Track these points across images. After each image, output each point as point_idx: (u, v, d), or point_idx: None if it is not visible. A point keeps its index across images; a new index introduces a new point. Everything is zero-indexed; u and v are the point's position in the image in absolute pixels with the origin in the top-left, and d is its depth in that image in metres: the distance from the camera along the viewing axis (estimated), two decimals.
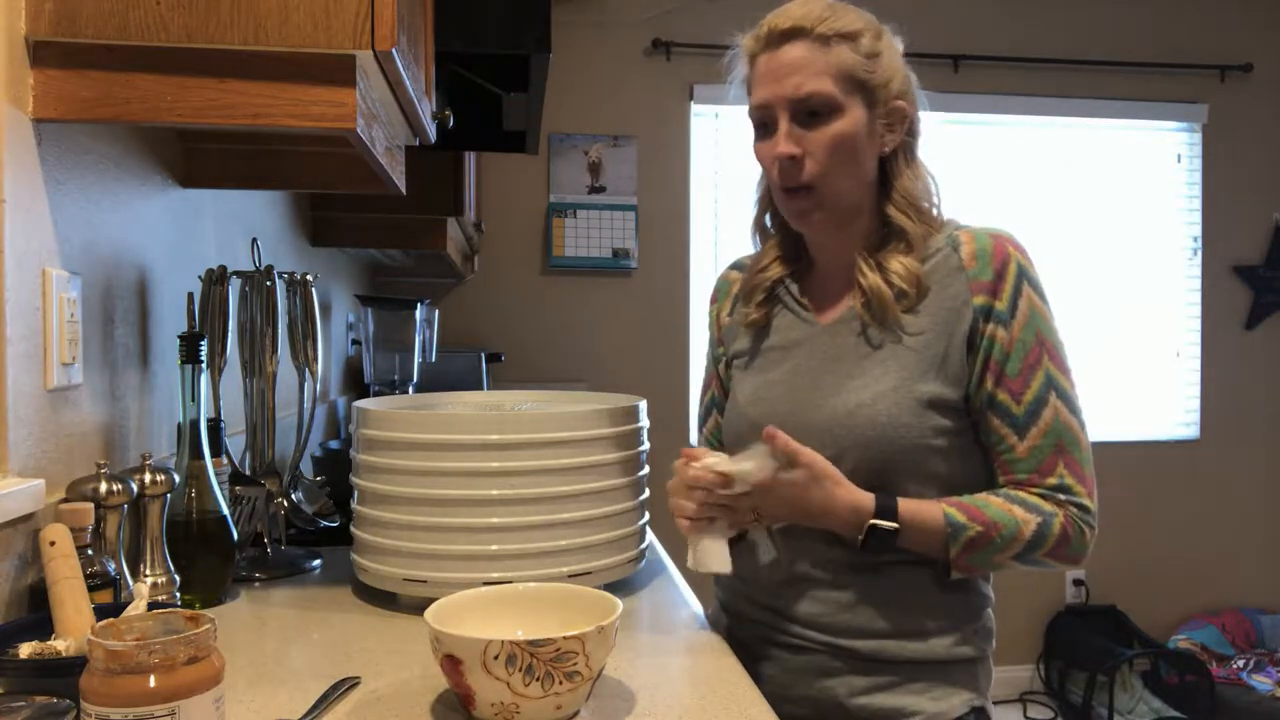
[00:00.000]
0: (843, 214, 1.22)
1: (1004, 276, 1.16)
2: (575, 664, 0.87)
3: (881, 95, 1.19)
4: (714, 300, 1.42)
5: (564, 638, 0.86)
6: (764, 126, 1.21)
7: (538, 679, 0.86)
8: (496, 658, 0.85)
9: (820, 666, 1.20)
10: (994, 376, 1.16)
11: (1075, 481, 1.15)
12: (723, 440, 1.33)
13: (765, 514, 1.16)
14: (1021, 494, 1.15)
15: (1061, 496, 1.14)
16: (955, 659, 1.19)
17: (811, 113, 1.17)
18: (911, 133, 1.24)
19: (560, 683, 0.87)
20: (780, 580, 1.23)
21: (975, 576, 1.21)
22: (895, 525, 1.12)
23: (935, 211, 1.25)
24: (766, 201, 1.32)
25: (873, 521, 1.12)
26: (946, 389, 1.16)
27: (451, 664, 0.87)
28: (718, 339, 1.40)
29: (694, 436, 1.47)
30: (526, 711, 0.87)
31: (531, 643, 0.85)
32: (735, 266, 1.40)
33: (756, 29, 1.21)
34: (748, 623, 1.27)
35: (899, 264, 1.19)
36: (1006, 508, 1.14)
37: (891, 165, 1.23)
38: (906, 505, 1.13)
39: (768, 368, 1.28)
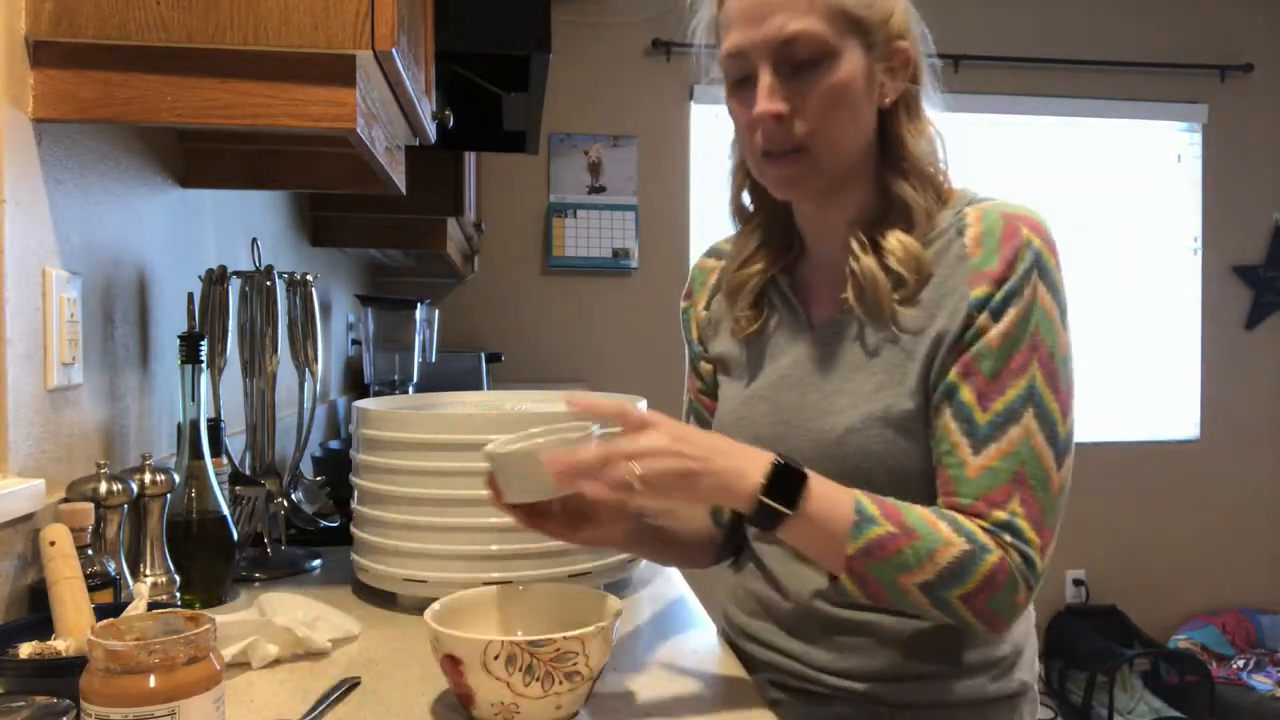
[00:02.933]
0: (837, 182, 1.02)
1: (1013, 264, 0.94)
2: (575, 664, 0.87)
3: (882, 35, 0.99)
4: (687, 295, 1.23)
5: (564, 638, 0.86)
6: (741, 80, 1.00)
7: (538, 679, 0.85)
8: (496, 658, 0.85)
9: (840, 716, 1.03)
10: (963, 367, 0.94)
11: (1029, 526, 0.91)
12: None
13: (650, 480, 0.87)
14: (958, 516, 0.92)
15: (1007, 538, 0.90)
16: (994, 696, 1.02)
17: (801, 60, 0.96)
18: (915, 80, 1.02)
19: (560, 683, 0.86)
20: (788, 617, 1.08)
21: (867, 599, 0.94)
22: (803, 472, 0.89)
23: (943, 179, 1.03)
24: (744, 174, 1.10)
25: (776, 459, 0.89)
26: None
27: (451, 664, 0.87)
28: (696, 337, 1.21)
29: None
30: (526, 711, 0.87)
31: (531, 643, 0.85)
32: (712, 254, 1.22)
33: None
34: (759, 666, 1.10)
35: (897, 242, 0.99)
36: (931, 520, 0.90)
37: (891, 120, 1.02)
38: (817, 477, 0.91)
39: (753, 376, 1.11)
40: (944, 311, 0.97)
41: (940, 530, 0.90)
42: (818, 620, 1.04)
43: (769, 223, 1.11)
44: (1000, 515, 0.91)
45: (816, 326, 1.07)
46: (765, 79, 0.96)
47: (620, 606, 0.94)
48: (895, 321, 0.99)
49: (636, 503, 1.01)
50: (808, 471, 0.90)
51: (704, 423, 1.21)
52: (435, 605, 0.94)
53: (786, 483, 0.89)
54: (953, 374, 0.95)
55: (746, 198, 1.13)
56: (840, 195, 1.04)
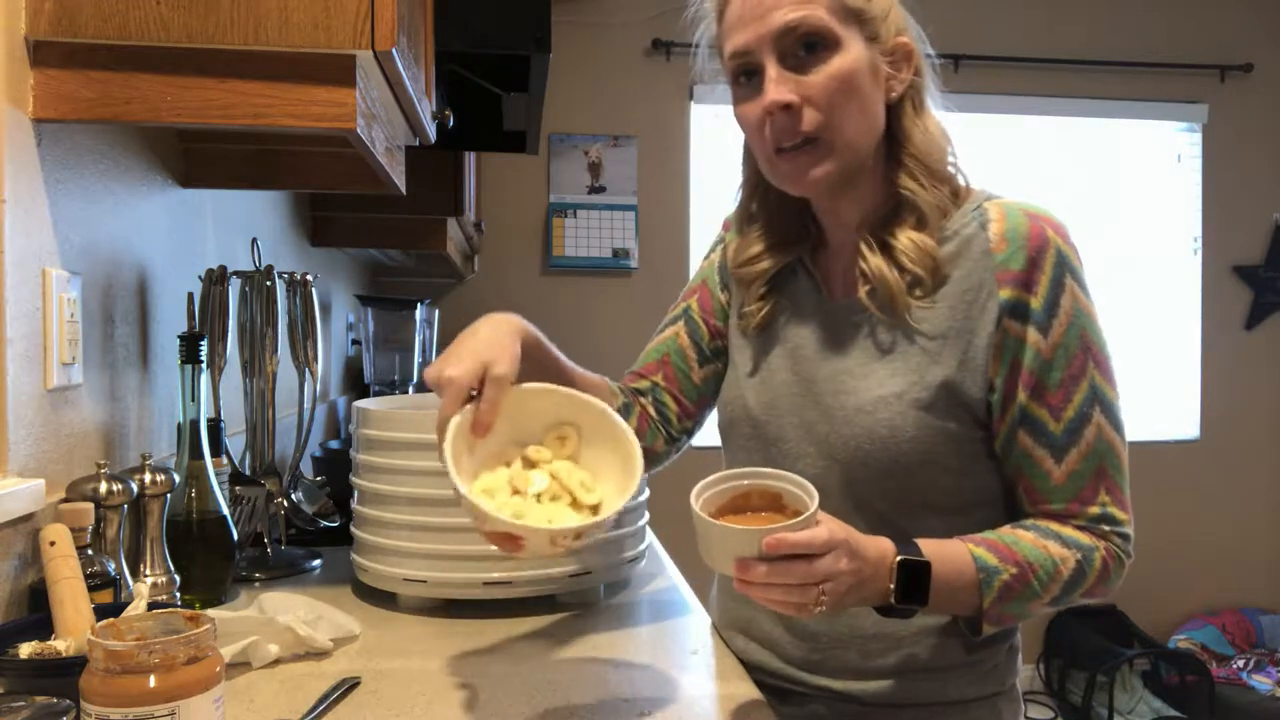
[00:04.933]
0: (849, 175, 1.01)
1: (1040, 266, 0.96)
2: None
3: (883, 28, 1.00)
4: (726, 228, 1.22)
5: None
6: (746, 78, 1.00)
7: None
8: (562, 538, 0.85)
9: (816, 716, 1.06)
10: (1029, 389, 0.96)
11: (1118, 509, 0.98)
12: (718, 421, 1.16)
13: (831, 586, 0.86)
14: (1054, 526, 0.97)
15: (1105, 528, 0.97)
16: (974, 698, 1.04)
17: (805, 48, 0.97)
18: (919, 75, 1.03)
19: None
20: (766, 611, 1.06)
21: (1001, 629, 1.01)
22: (925, 560, 0.91)
23: (957, 175, 1.04)
24: (754, 184, 1.12)
25: (901, 557, 0.90)
26: (962, 398, 0.98)
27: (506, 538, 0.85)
28: (718, 265, 1.20)
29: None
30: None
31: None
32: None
33: None
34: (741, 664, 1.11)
35: (908, 240, 0.99)
36: (1040, 544, 0.95)
37: (898, 116, 1.02)
38: (928, 543, 0.93)
39: (770, 343, 1.10)
40: (971, 309, 0.98)
41: (1051, 551, 0.95)
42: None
43: (774, 226, 1.11)
44: (1093, 510, 0.97)
45: (837, 303, 1.07)
46: (771, 71, 0.97)
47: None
48: (910, 318, 1.00)
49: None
50: (925, 555, 0.91)
51: (696, 332, 1.20)
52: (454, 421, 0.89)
53: (915, 582, 0.91)
54: (1021, 395, 0.97)
55: (755, 207, 1.13)
56: (852, 191, 1.03)
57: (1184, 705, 3.65)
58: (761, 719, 0.95)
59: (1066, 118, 4.05)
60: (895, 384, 0.99)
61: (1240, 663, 3.84)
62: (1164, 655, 3.82)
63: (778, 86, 0.97)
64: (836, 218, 1.07)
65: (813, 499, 0.86)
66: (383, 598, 1.28)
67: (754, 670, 1.08)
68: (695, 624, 1.23)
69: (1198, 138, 4.14)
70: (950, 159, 1.04)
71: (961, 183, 1.04)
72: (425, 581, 1.22)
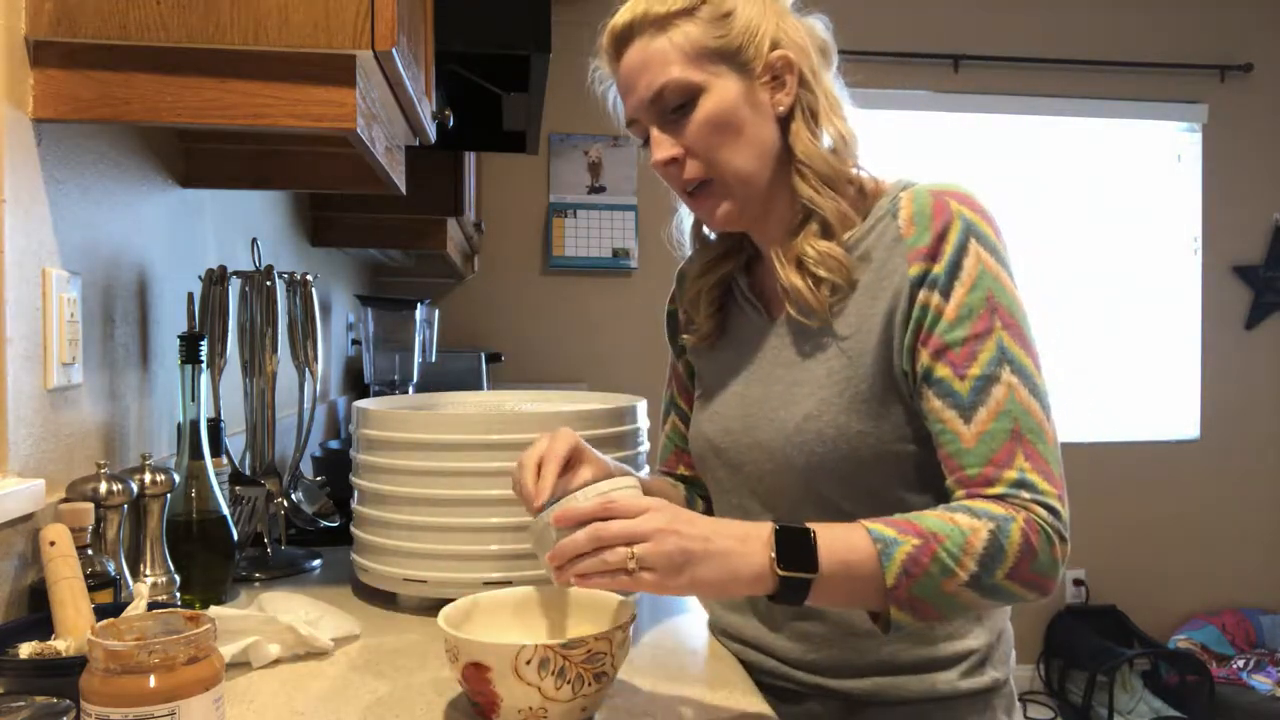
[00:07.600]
0: (761, 201, 1.06)
1: (945, 236, 0.96)
2: (603, 664, 0.86)
3: (751, 54, 1.02)
4: (673, 300, 1.30)
5: (595, 638, 0.85)
6: (645, 141, 1.08)
7: (568, 682, 0.84)
8: (529, 662, 0.83)
9: (811, 714, 1.07)
10: (933, 350, 0.95)
11: (1040, 478, 0.90)
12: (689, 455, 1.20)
13: (646, 563, 0.84)
14: (965, 502, 0.91)
15: (1025, 495, 0.89)
16: (966, 693, 1.04)
17: (675, 107, 1.02)
18: (805, 84, 1.04)
19: (589, 684, 0.86)
20: (758, 608, 1.10)
21: (928, 623, 0.95)
22: (806, 526, 0.86)
23: (859, 173, 1.06)
24: (695, 216, 1.20)
25: (780, 526, 0.86)
26: (894, 376, 0.98)
27: (476, 671, 0.85)
28: (679, 331, 1.25)
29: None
30: (554, 715, 0.86)
31: (565, 645, 0.84)
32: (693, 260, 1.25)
33: (600, 42, 1.08)
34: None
35: (813, 251, 1.02)
36: (945, 516, 0.89)
37: (788, 129, 1.05)
38: (816, 525, 0.88)
39: (723, 375, 1.14)
40: (887, 293, 0.99)
41: (959, 522, 0.88)
42: (791, 609, 1.05)
43: (725, 238, 1.17)
44: (1010, 475, 0.90)
45: (775, 321, 1.11)
46: (653, 133, 1.05)
47: (635, 605, 0.93)
48: (836, 322, 1.02)
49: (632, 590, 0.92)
50: (810, 526, 0.87)
51: (684, 418, 1.26)
52: (444, 613, 0.92)
53: (797, 546, 0.86)
54: (924, 358, 0.96)
55: (694, 233, 1.23)
56: (771, 213, 1.07)
57: (1184, 705, 3.65)
58: (762, 715, 0.95)
59: (1067, 118, 4.05)
60: (835, 383, 1.01)
61: (1240, 663, 3.84)
62: (1164, 655, 3.82)
63: (658, 146, 1.04)
64: (762, 233, 1.11)
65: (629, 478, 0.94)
66: (383, 598, 1.28)
67: (749, 670, 1.09)
68: (695, 624, 1.23)
69: (1198, 138, 4.14)
70: (851, 159, 1.05)
71: (870, 181, 1.06)
72: (425, 581, 1.22)
